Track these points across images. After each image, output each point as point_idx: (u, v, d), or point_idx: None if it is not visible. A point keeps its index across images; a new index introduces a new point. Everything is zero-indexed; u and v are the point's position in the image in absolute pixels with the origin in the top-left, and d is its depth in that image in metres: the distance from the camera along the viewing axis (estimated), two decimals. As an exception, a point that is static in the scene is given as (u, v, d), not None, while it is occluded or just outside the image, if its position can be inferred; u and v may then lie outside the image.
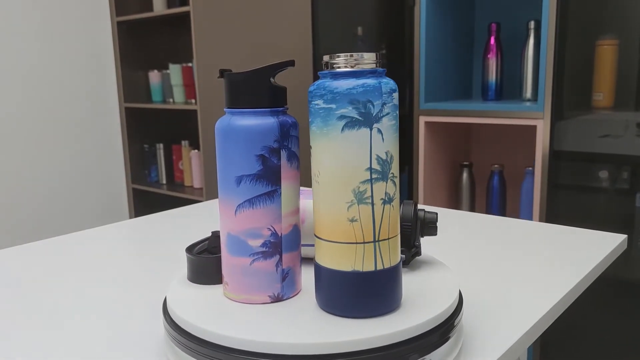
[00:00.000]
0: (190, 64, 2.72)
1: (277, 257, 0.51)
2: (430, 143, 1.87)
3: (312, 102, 0.47)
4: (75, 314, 0.63)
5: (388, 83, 0.46)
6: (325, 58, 0.47)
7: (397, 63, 2.07)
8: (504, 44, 1.95)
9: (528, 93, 1.72)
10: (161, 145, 2.93)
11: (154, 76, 2.86)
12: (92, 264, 0.81)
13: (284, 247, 0.52)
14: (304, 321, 0.47)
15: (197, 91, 2.45)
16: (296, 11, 2.38)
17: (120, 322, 0.61)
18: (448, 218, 1.01)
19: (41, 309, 0.65)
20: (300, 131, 1.97)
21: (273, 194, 0.50)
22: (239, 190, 0.50)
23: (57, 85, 2.68)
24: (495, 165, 1.88)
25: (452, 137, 1.98)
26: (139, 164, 3.01)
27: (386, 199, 0.47)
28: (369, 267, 0.47)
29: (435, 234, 0.61)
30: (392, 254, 0.48)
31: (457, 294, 0.52)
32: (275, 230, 0.51)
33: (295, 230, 0.53)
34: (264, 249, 0.51)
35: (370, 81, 0.46)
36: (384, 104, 0.46)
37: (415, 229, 0.60)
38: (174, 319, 0.50)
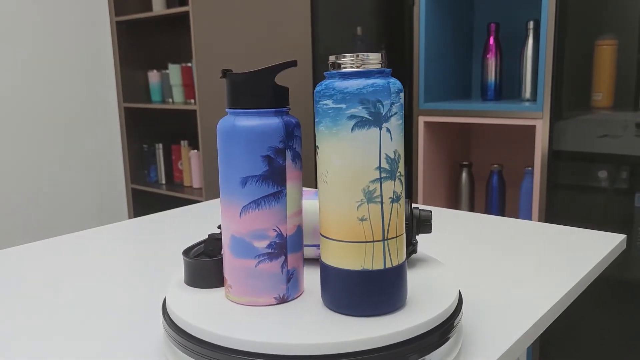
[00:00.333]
0: (189, 64, 2.72)
1: (283, 258, 0.51)
2: (429, 143, 1.87)
3: (320, 102, 0.47)
4: (75, 315, 0.63)
5: (395, 83, 0.47)
6: (332, 58, 0.47)
7: (396, 63, 2.07)
8: (503, 44, 1.95)
9: (527, 93, 1.72)
10: (160, 145, 2.93)
11: (153, 76, 2.86)
12: (91, 264, 0.81)
13: (289, 248, 0.51)
14: (312, 321, 0.47)
15: (196, 91, 2.45)
16: (296, 11, 2.38)
17: (120, 322, 0.61)
18: (447, 218, 1.01)
19: (40, 310, 0.65)
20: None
21: (279, 195, 0.50)
22: (244, 191, 0.50)
23: (56, 85, 2.68)
24: (495, 165, 1.88)
25: (451, 137, 1.98)
26: (138, 164, 3.01)
27: (394, 197, 0.47)
28: (378, 265, 0.47)
29: (430, 232, 0.62)
30: (400, 252, 0.49)
31: (456, 295, 0.52)
32: (280, 231, 0.51)
33: (299, 231, 0.52)
34: (269, 250, 0.50)
35: (379, 81, 0.46)
36: (392, 103, 0.46)
37: (411, 227, 0.61)
38: (182, 326, 0.48)
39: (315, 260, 0.64)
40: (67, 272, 0.77)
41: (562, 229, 0.92)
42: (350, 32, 2.16)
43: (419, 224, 0.62)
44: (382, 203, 0.47)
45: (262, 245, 0.50)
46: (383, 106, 0.46)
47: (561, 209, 1.69)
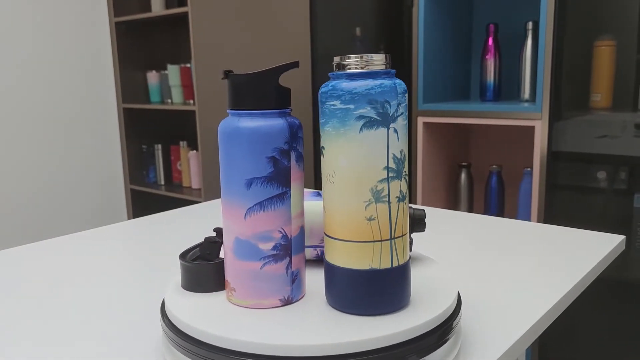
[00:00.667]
0: (188, 65, 2.72)
1: (287, 259, 0.51)
2: (428, 144, 1.87)
3: (327, 103, 0.47)
4: (74, 315, 0.63)
5: (401, 84, 0.47)
6: (336, 59, 0.48)
7: (395, 64, 2.07)
8: (502, 45, 1.95)
9: (526, 94, 1.72)
10: (159, 146, 2.93)
11: (152, 77, 2.86)
12: (90, 265, 0.81)
13: (293, 249, 0.51)
14: (321, 322, 0.47)
15: (195, 92, 2.45)
16: (295, 12, 2.38)
17: (119, 323, 0.61)
18: (446, 219, 1.01)
19: (39, 310, 0.65)
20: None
21: (284, 196, 0.50)
22: (249, 193, 0.49)
23: (55, 86, 2.68)
24: (494, 166, 1.88)
25: (450, 137, 1.98)
26: (137, 164, 3.01)
27: (400, 196, 0.48)
28: (385, 264, 0.48)
29: (424, 230, 0.62)
30: (405, 251, 0.49)
31: (455, 295, 0.52)
32: (285, 232, 0.50)
33: (302, 232, 0.52)
34: (275, 252, 0.50)
35: (386, 82, 0.46)
36: (399, 104, 0.47)
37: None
38: (192, 334, 0.47)
39: (312, 261, 0.64)
40: (66, 273, 0.77)
41: (561, 229, 0.92)
42: (350, 32, 2.16)
43: (413, 222, 0.62)
44: (389, 202, 0.47)
45: (267, 247, 0.50)
46: (390, 106, 0.46)
47: (560, 209, 1.69)
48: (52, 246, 0.90)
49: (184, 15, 2.66)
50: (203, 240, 0.58)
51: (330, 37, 2.22)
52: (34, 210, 2.66)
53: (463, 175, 1.95)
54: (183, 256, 0.56)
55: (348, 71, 0.47)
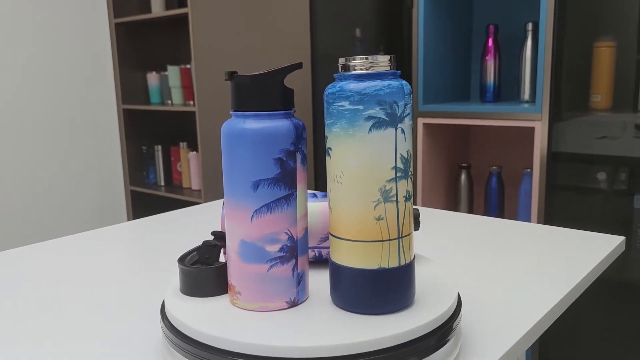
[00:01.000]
0: (188, 66, 2.72)
1: (294, 261, 0.50)
2: (428, 145, 1.87)
3: (335, 104, 0.47)
4: (74, 316, 0.63)
5: (407, 85, 0.48)
6: (342, 60, 0.48)
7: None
8: (502, 46, 1.95)
9: (526, 95, 1.72)
10: (159, 147, 2.93)
11: (152, 78, 2.86)
12: (90, 265, 0.80)
13: (299, 251, 0.51)
14: (330, 323, 0.47)
15: (195, 93, 2.45)
16: (294, 13, 2.38)
17: (119, 324, 0.61)
18: (446, 220, 1.01)
19: (39, 311, 0.65)
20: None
21: (290, 198, 0.49)
22: (255, 195, 0.49)
23: (55, 87, 2.68)
24: (494, 167, 1.88)
25: (450, 138, 1.99)
26: (137, 165, 3.01)
27: (407, 196, 0.49)
28: (393, 263, 0.48)
29: (418, 229, 0.62)
30: (411, 249, 0.50)
31: (455, 296, 0.52)
32: (291, 234, 0.50)
33: (306, 233, 0.52)
34: (281, 254, 0.50)
35: (394, 82, 0.47)
36: (405, 104, 0.47)
37: None
38: (202, 339, 0.46)
39: (310, 262, 0.64)
40: (67, 274, 0.77)
41: (561, 230, 0.92)
42: (350, 33, 2.16)
43: None
44: (397, 202, 0.48)
45: (274, 249, 0.50)
46: (398, 107, 0.47)
47: (560, 210, 1.69)
48: (52, 247, 0.90)
49: (184, 16, 2.66)
50: (201, 244, 0.57)
51: (330, 38, 2.22)
52: (34, 211, 2.66)
53: (463, 176, 1.95)
54: (181, 260, 0.56)
55: (356, 72, 0.47)
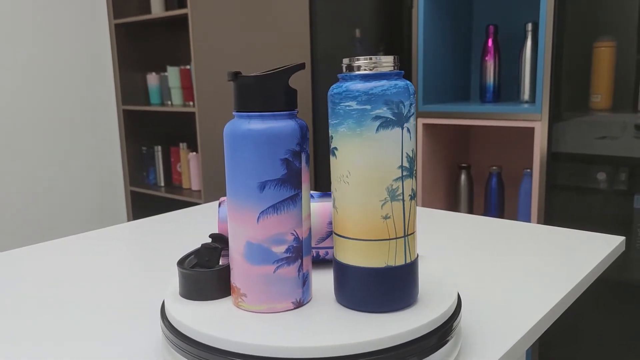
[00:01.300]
0: (188, 67, 2.72)
1: (299, 261, 0.50)
2: (428, 145, 1.87)
3: (342, 104, 0.48)
4: (74, 316, 0.63)
5: (411, 85, 0.49)
6: (346, 61, 0.48)
7: (395, 65, 2.07)
8: (502, 46, 1.95)
9: (526, 95, 1.72)
10: (159, 148, 2.93)
11: (152, 78, 2.86)
12: (90, 266, 0.80)
13: (304, 251, 0.51)
14: (337, 323, 0.48)
15: (195, 93, 2.45)
16: (294, 13, 2.38)
17: (119, 324, 0.61)
18: (446, 220, 1.01)
19: (40, 311, 0.65)
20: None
21: (295, 198, 0.49)
22: (262, 196, 0.48)
23: (55, 88, 2.68)
24: (494, 167, 1.88)
25: (450, 139, 1.99)
26: (137, 166, 3.01)
27: (412, 194, 0.49)
28: (400, 261, 0.49)
29: None
30: (415, 246, 0.51)
31: (455, 297, 0.52)
32: (297, 234, 0.50)
33: (310, 233, 0.52)
34: (287, 255, 0.50)
35: (399, 82, 0.47)
36: (411, 104, 0.48)
37: None
38: (200, 339, 0.46)
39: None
40: (67, 274, 0.77)
41: (561, 230, 0.92)
42: (349, 34, 2.16)
43: None
44: (403, 200, 0.48)
45: (280, 250, 0.49)
46: (404, 107, 0.47)
47: (560, 210, 1.69)
48: (52, 248, 0.90)
49: (184, 17, 2.66)
50: (200, 246, 0.56)
51: (330, 39, 2.22)
52: (34, 212, 2.66)
53: (463, 177, 1.95)
54: (180, 264, 0.55)
55: (362, 72, 0.47)
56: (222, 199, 0.65)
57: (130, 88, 2.92)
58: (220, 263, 0.56)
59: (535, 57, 1.69)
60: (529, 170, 1.77)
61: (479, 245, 0.86)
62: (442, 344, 0.48)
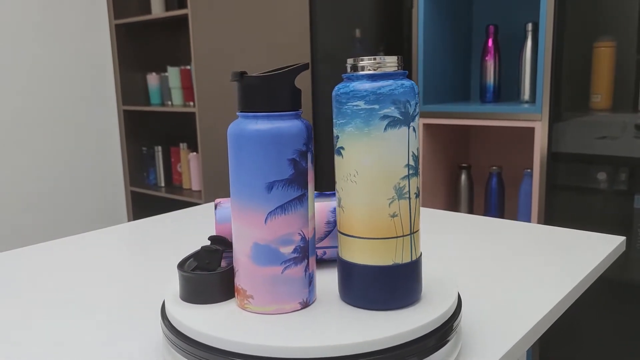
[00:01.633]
0: (188, 67, 2.72)
1: (306, 261, 0.50)
2: (428, 145, 1.87)
3: (349, 104, 0.48)
4: (74, 316, 0.63)
5: (416, 85, 0.50)
6: (351, 61, 0.49)
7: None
8: (502, 46, 1.95)
9: (526, 95, 1.72)
10: (159, 148, 2.93)
11: (153, 79, 2.87)
12: (90, 267, 0.81)
13: (310, 251, 0.51)
14: (344, 322, 0.48)
15: (195, 94, 2.45)
16: (294, 14, 2.38)
17: (118, 324, 0.61)
18: (446, 220, 1.01)
19: (40, 311, 0.65)
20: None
21: (302, 198, 0.49)
22: (270, 197, 0.48)
23: (55, 88, 2.68)
24: (494, 167, 1.88)
25: (450, 139, 1.99)
26: (137, 166, 3.01)
27: (417, 192, 0.50)
28: (406, 258, 0.50)
29: None
30: (419, 244, 0.52)
31: (455, 297, 0.52)
32: (304, 234, 0.50)
33: (314, 233, 0.52)
34: (295, 255, 0.49)
35: (406, 82, 0.48)
36: (416, 103, 0.49)
37: None
38: (206, 342, 0.46)
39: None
40: (67, 274, 0.77)
41: (561, 230, 0.92)
42: (349, 34, 2.16)
43: None
44: (409, 198, 0.49)
45: (288, 250, 0.49)
46: (410, 106, 0.48)
47: (560, 210, 1.69)
48: (52, 248, 0.90)
49: (184, 17, 2.66)
50: (199, 249, 0.56)
51: (330, 39, 2.22)
52: (34, 212, 2.66)
53: (463, 177, 1.95)
54: (181, 267, 0.54)
55: (367, 72, 0.48)
56: (217, 200, 0.65)
57: (130, 88, 2.92)
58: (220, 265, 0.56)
59: (536, 57, 1.69)
60: (529, 170, 1.77)
61: (479, 245, 0.86)
62: (443, 344, 0.48)
